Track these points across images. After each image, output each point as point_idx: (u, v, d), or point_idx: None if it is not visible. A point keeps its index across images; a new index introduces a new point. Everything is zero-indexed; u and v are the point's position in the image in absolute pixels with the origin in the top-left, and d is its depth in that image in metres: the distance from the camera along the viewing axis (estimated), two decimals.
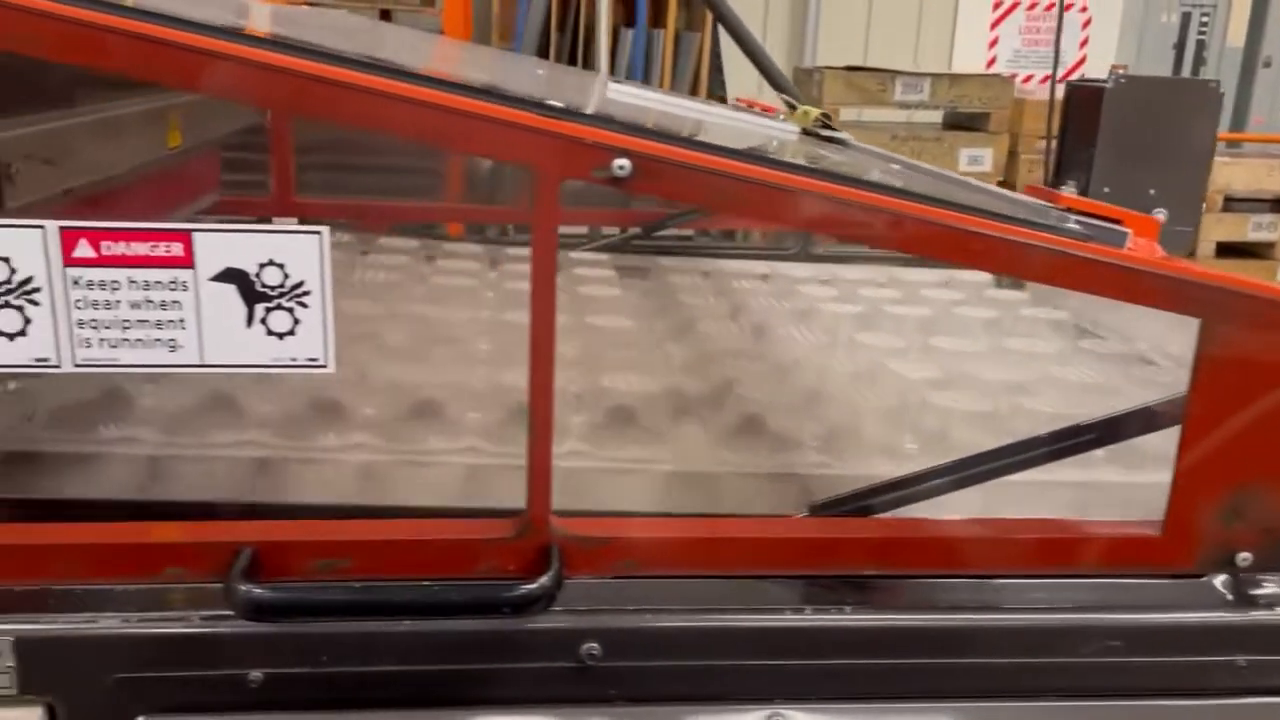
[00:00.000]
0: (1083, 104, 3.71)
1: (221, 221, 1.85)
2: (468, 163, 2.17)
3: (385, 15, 5.17)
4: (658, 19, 5.84)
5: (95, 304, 0.86)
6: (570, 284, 1.89)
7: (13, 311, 0.86)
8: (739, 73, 5.57)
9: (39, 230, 0.85)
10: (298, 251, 0.87)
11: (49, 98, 1.29)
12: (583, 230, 2.18)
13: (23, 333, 0.86)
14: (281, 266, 0.87)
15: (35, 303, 0.86)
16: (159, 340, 0.88)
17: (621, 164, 0.86)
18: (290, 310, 0.88)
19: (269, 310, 0.88)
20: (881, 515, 1.07)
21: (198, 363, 0.88)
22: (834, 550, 1.01)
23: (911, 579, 1.03)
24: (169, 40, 0.83)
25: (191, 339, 0.88)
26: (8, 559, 0.93)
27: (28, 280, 0.85)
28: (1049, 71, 4.07)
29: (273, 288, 0.87)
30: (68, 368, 0.88)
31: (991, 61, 7.04)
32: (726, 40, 5.63)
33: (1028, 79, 6.92)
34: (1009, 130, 4.91)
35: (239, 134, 1.91)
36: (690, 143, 0.94)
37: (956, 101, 4.90)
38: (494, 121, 0.86)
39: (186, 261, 0.86)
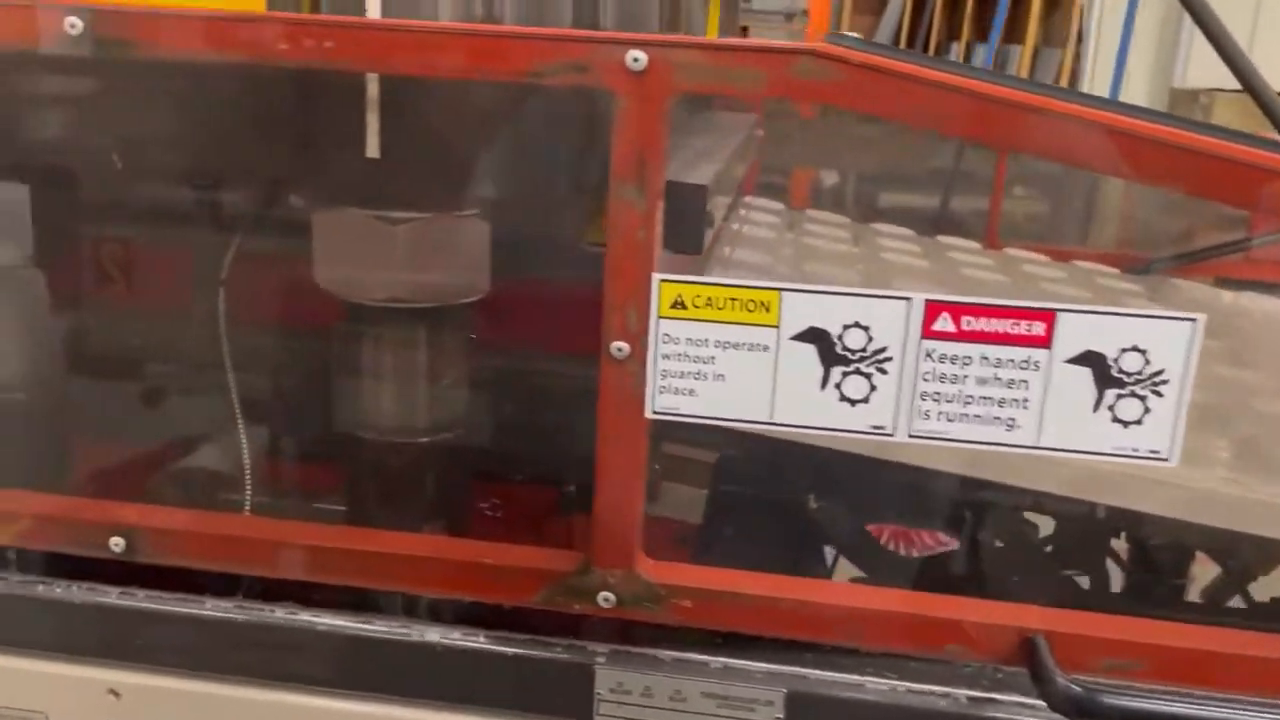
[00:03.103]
0: None
1: None
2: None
3: (743, 31, 5.21)
4: (1013, 33, 5.62)
5: (942, 377, 0.85)
6: None
7: (861, 379, 0.86)
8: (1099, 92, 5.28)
9: (904, 302, 0.84)
10: (1164, 338, 0.82)
11: None
12: None
13: (865, 400, 0.86)
14: (1143, 353, 0.83)
15: (884, 371, 0.85)
16: (997, 418, 0.85)
17: None
18: (1143, 398, 0.83)
19: (1118, 397, 0.84)
20: None
21: (1033, 444, 0.86)
22: None
23: None
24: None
25: (1032, 420, 0.85)
26: (774, 609, 0.94)
27: (882, 350, 0.85)
28: None
29: (1129, 374, 0.83)
30: (900, 437, 0.87)
31: None
32: (1088, 56, 5.34)
33: None
34: None
35: None
36: None
37: None
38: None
39: (1044, 341, 0.84)
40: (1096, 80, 5.26)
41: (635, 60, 0.81)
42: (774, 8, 5.36)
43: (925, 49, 5.54)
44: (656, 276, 0.86)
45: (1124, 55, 4.50)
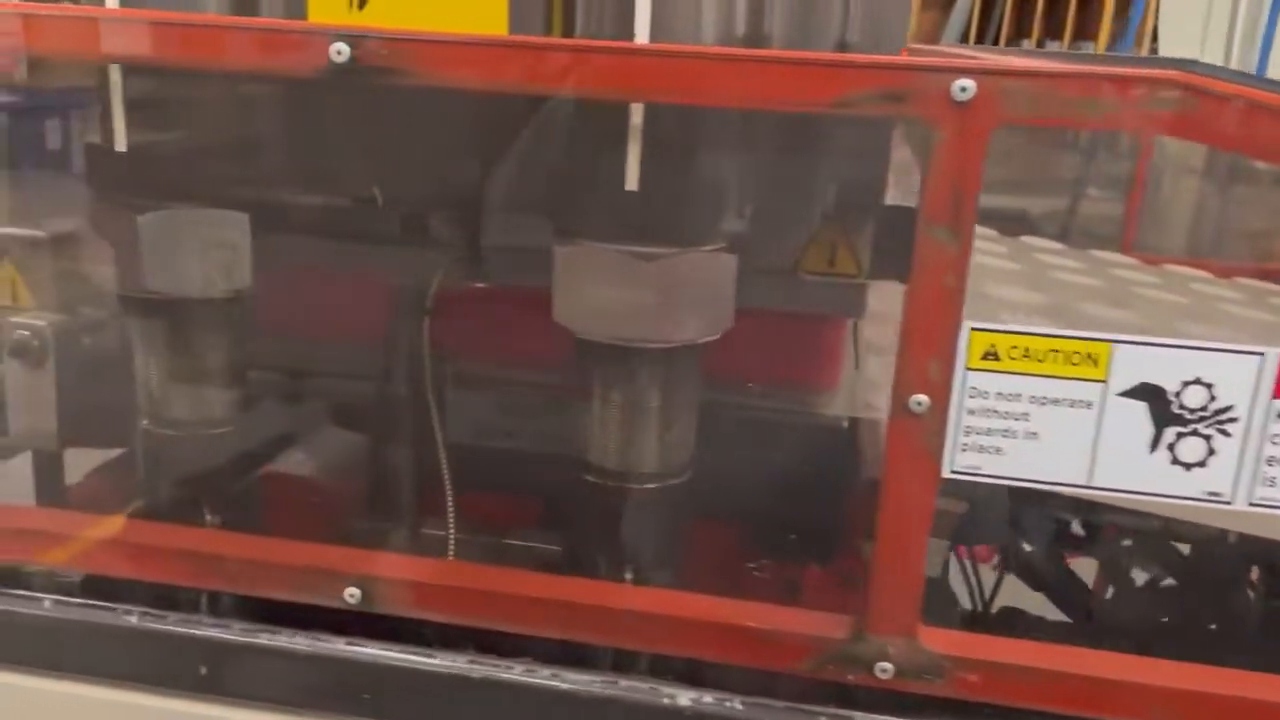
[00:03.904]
0: None
1: None
2: None
3: None
4: (1083, 30, 5.46)
5: None
6: None
7: (1198, 441, 0.77)
8: None
9: (1256, 358, 0.75)
10: None
11: None
12: None
13: (1202, 464, 0.78)
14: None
15: (1227, 434, 0.77)
16: None
17: None
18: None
19: None
20: None
21: None
22: None
23: None
24: None
25: None
26: (1081, 687, 0.86)
27: (1226, 409, 0.77)
28: None
29: None
30: (1240, 505, 0.78)
31: None
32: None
33: None
34: None
35: None
36: None
37: None
38: None
39: None
40: None
41: (962, 90, 0.74)
42: None
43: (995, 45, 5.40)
44: (968, 325, 0.79)
45: (1268, 51, 4.27)
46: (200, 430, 1.12)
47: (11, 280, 1.33)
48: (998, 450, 0.81)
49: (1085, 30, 5.52)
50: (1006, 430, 0.80)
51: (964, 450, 0.81)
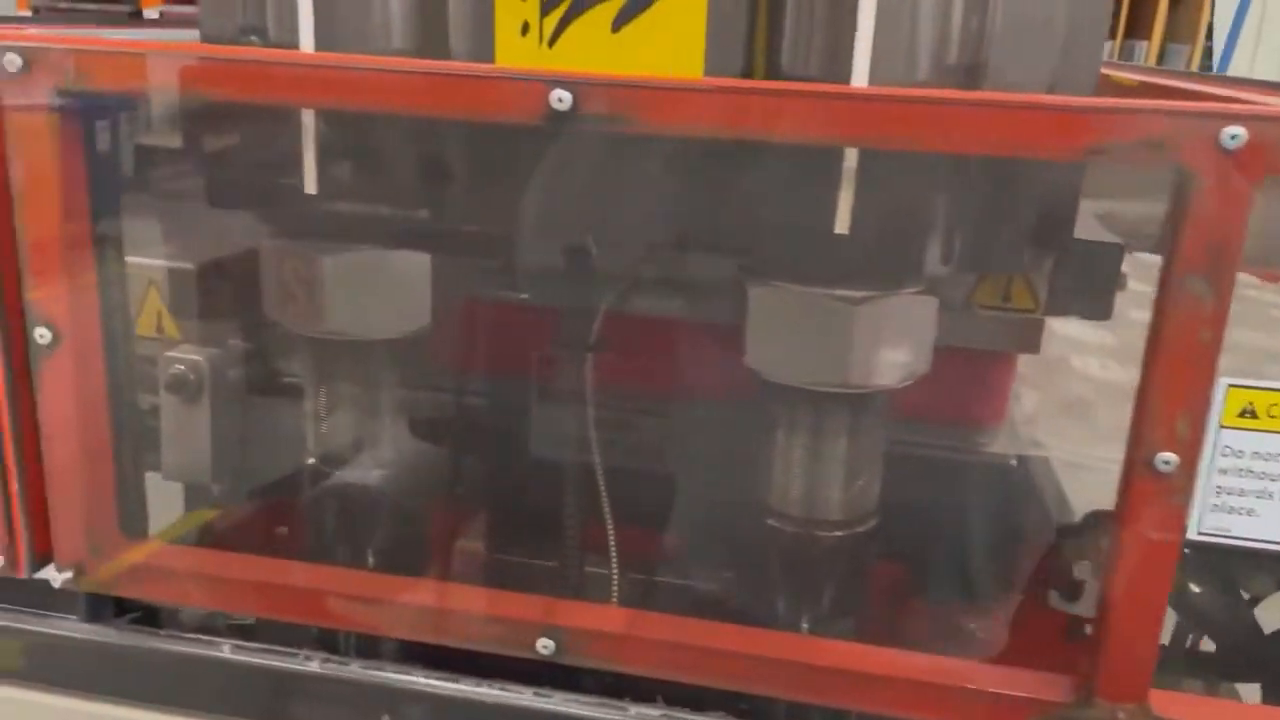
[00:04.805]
0: None
1: None
2: None
3: None
4: (1136, 29, 5.37)
5: None
6: None
7: None
8: None
9: None
10: None
11: None
12: None
13: None
14: None
15: None
16: None
17: None
18: None
19: None
20: None
21: None
22: None
23: None
24: None
25: None
26: None
27: None
28: None
29: None
30: None
31: None
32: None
33: None
34: None
35: None
36: None
37: None
38: None
39: None
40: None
41: (1232, 138, 0.70)
42: None
43: None
44: (1224, 381, 0.75)
45: None
46: (370, 471, 1.11)
47: (158, 312, 1.34)
48: (1250, 512, 0.77)
49: (1137, 30, 5.43)
50: (1261, 491, 0.76)
51: (1214, 510, 0.77)
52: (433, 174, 1.00)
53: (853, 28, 0.85)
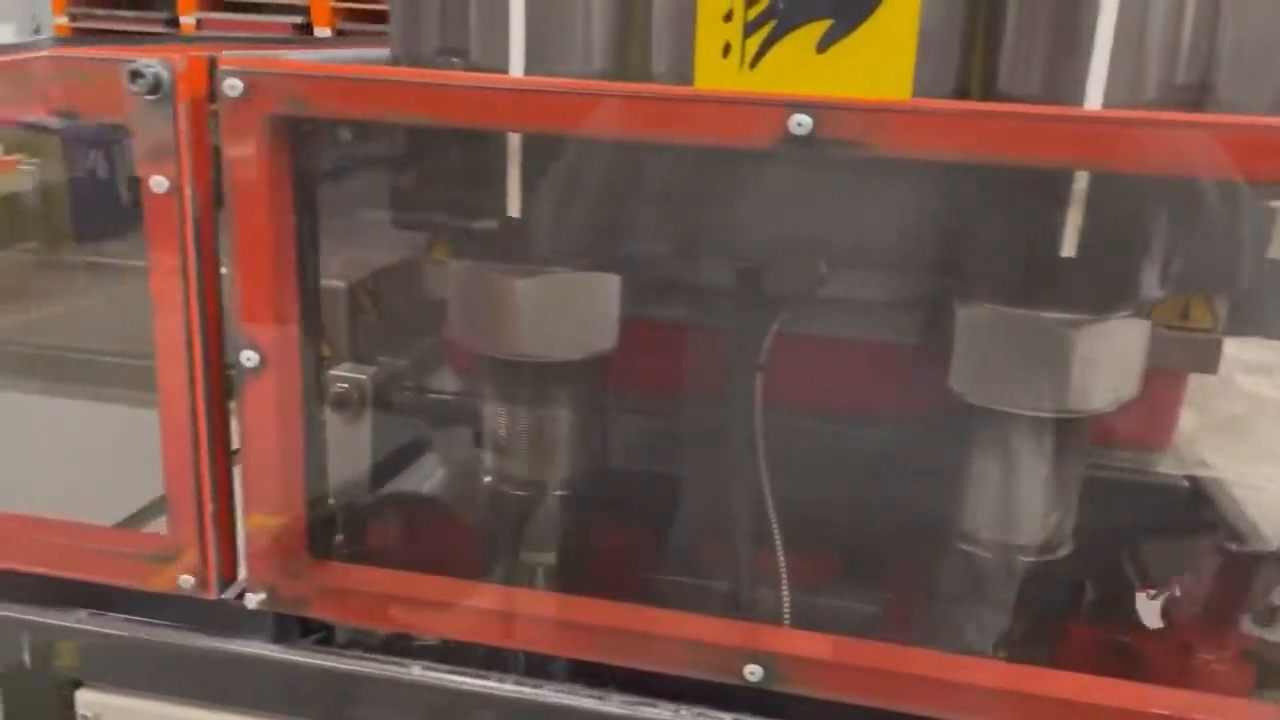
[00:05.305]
0: None
1: None
2: None
3: None
4: None
5: None
6: None
7: None
8: None
9: None
10: None
11: None
12: None
13: None
14: None
15: None
16: None
17: None
18: None
19: None
20: None
21: None
22: None
23: None
24: None
25: None
26: None
27: None
28: None
29: None
30: None
31: None
32: None
33: None
34: None
35: None
36: None
37: None
38: None
39: None
40: None
41: None
42: None
43: None
44: None
45: None
46: (547, 492, 1.10)
47: None
48: None
49: None
50: None
51: None
52: (634, 198, 1.00)
53: (1079, 48, 0.84)
